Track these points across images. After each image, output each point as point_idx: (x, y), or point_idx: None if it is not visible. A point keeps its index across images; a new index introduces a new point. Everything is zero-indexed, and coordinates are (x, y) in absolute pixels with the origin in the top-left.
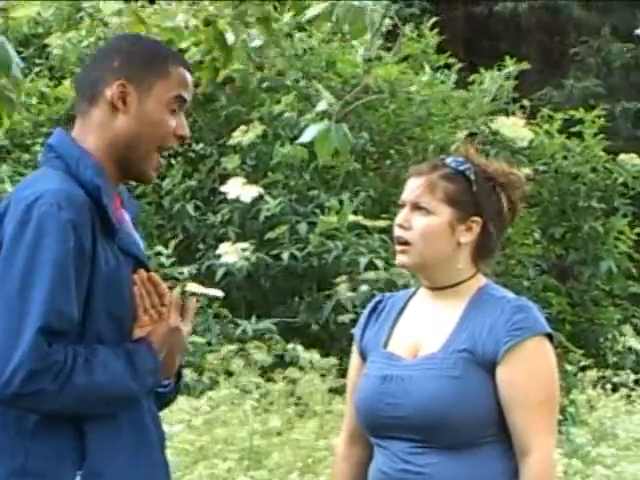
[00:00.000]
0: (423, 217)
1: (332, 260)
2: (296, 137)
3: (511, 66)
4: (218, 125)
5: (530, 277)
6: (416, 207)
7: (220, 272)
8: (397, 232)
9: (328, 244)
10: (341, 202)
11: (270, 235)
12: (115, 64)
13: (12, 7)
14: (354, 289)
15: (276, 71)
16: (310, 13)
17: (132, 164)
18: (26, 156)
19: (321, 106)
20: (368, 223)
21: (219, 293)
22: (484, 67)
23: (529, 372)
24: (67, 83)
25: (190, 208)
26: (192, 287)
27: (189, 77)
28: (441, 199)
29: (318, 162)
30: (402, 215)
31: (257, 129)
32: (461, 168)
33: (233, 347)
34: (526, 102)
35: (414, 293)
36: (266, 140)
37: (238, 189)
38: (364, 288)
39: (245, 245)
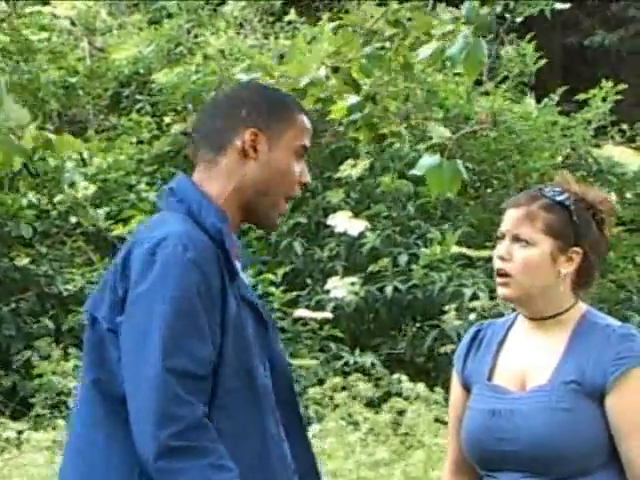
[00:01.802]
0: (524, 249)
1: (436, 292)
2: (404, 169)
3: (609, 90)
4: (323, 159)
5: (635, 304)
6: (516, 239)
7: (330, 306)
8: (498, 264)
9: (432, 276)
10: (443, 233)
11: (372, 268)
12: (244, 113)
13: (112, 48)
14: (460, 318)
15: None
16: (422, 53)
17: (259, 211)
18: (131, 195)
19: (435, 139)
20: (472, 253)
21: (328, 315)
22: (583, 92)
23: (637, 401)
24: (168, 119)
25: (297, 245)
26: (300, 312)
27: (310, 125)
28: (541, 230)
29: (420, 193)
30: (502, 247)
31: (365, 162)
32: (560, 198)
33: (338, 379)
34: (625, 126)
35: (513, 322)
36: (373, 172)
37: (345, 223)
38: (472, 317)
39: (354, 279)
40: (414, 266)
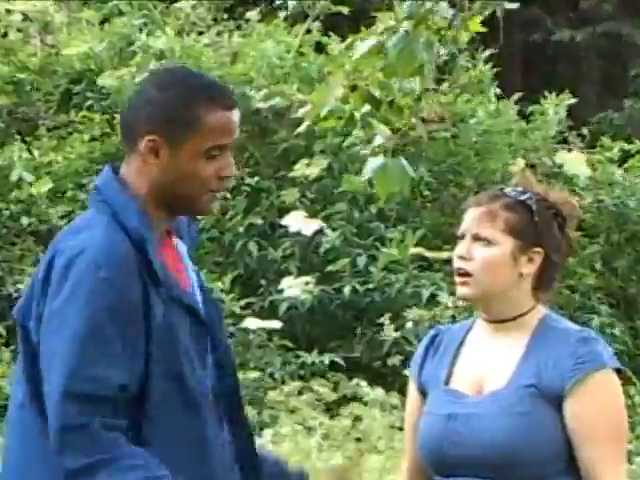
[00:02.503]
0: (484, 248)
1: (394, 293)
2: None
3: (567, 97)
4: (275, 158)
5: (595, 309)
6: (476, 238)
7: (283, 306)
8: (457, 263)
9: (390, 277)
10: (403, 234)
11: (331, 268)
12: (145, 115)
13: (63, 44)
14: (402, 325)
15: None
16: (360, 49)
17: (180, 207)
18: (82, 195)
19: (377, 140)
20: (430, 255)
21: (277, 325)
22: (543, 93)
23: (596, 406)
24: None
25: (252, 246)
26: (249, 322)
27: (228, 119)
28: (502, 229)
29: (376, 195)
30: (462, 246)
31: (322, 162)
32: (522, 197)
33: (297, 384)
34: (585, 130)
35: (471, 326)
36: (331, 172)
37: (299, 222)
38: (409, 325)
39: (308, 279)
40: (372, 268)
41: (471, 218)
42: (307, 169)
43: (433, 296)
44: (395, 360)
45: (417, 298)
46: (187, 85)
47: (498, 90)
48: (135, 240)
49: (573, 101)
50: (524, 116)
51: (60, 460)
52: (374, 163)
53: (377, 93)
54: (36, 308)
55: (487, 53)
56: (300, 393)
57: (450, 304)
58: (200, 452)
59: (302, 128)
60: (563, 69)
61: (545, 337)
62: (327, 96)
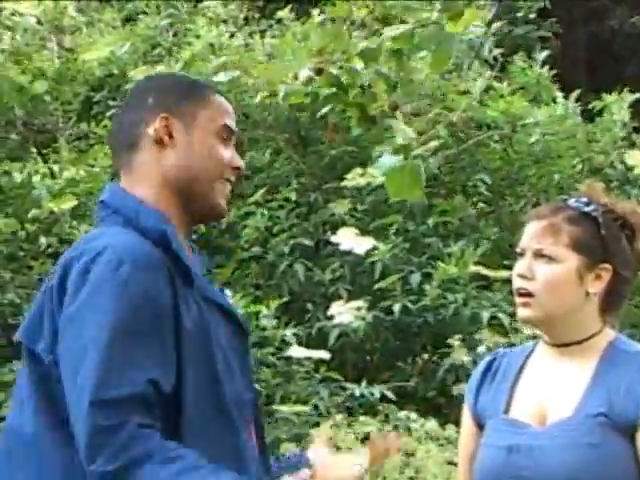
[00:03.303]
0: (547, 265)
1: (450, 315)
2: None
3: (623, 97)
4: (321, 169)
5: None
6: (538, 254)
7: (334, 334)
8: (518, 283)
9: (447, 296)
10: (462, 250)
11: (380, 285)
12: (150, 101)
13: (82, 49)
14: (471, 349)
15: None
16: (388, 32)
17: (197, 201)
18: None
19: (399, 140)
20: (490, 273)
21: (325, 355)
22: (608, 92)
23: None
24: None
25: (299, 267)
26: (294, 351)
27: (230, 107)
28: (566, 244)
29: (434, 207)
30: (523, 264)
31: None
32: (586, 209)
33: (340, 417)
34: None
35: (532, 350)
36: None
37: (351, 240)
38: (481, 349)
39: (360, 303)
40: (426, 286)
41: (532, 233)
42: (361, 179)
43: (493, 318)
44: (454, 389)
45: (476, 320)
46: (183, 75)
47: (559, 93)
48: (157, 240)
49: (638, 95)
50: (588, 118)
51: (93, 469)
52: (389, 159)
53: (344, 78)
54: (50, 323)
55: (544, 54)
56: (349, 426)
57: (527, 330)
58: (237, 465)
59: (257, 100)
60: (633, 66)
61: (615, 361)
62: (289, 69)
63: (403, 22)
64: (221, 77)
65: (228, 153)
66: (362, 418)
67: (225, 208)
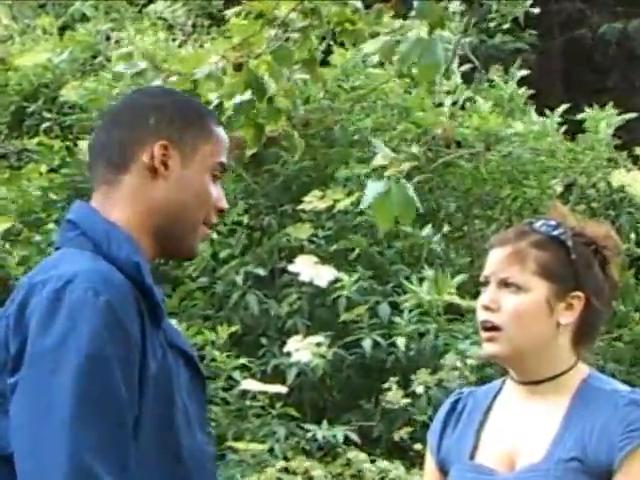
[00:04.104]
0: (513, 295)
1: (421, 349)
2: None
3: (614, 111)
4: (275, 189)
5: None
6: (504, 283)
7: (292, 373)
8: (482, 315)
9: (419, 328)
10: (436, 277)
11: (346, 317)
12: (152, 121)
13: (16, 55)
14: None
15: (322, 126)
16: (369, 48)
17: (175, 238)
18: (37, 237)
19: (377, 161)
20: (464, 303)
21: (282, 389)
22: (589, 105)
23: None
24: (83, 143)
25: (252, 299)
26: (248, 384)
27: (227, 139)
28: (534, 272)
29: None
30: (487, 294)
31: (340, 193)
32: (555, 233)
33: (299, 460)
34: (639, 150)
35: (500, 388)
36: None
37: (310, 270)
38: (419, 390)
39: (319, 339)
40: (396, 318)
41: (496, 260)
42: (320, 202)
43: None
44: (409, 431)
45: (454, 354)
46: (186, 94)
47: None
48: (129, 272)
49: (631, 116)
50: (567, 133)
51: None
52: (375, 187)
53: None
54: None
55: (522, 72)
56: (306, 472)
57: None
58: None
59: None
60: (613, 77)
61: (589, 400)
62: (200, 63)
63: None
64: (122, 68)
65: (216, 192)
66: (321, 464)
67: (197, 252)
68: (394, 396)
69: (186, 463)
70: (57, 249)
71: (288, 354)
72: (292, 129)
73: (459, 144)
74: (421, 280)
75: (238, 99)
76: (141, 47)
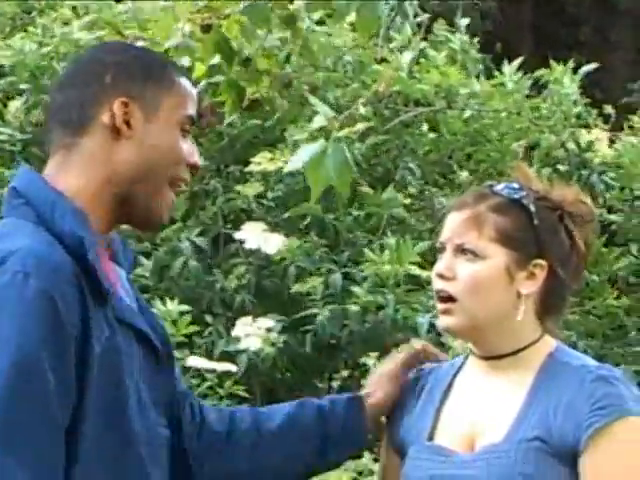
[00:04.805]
0: (470, 263)
1: (379, 322)
2: None
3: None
4: (220, 150)
5: (628, 339)
6: (460, 250)
7: (242, 360)
8: (437, 284)
9: (377, 300)
10: (398, 245)
11: (297, 289)
12: (108, 79)
13: None
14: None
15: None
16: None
17: (138, 204)
18: None
19: (318, 122)
20: (423, 274)
21: (232, 368)
22: (558, 61)
23: (621, 464)
24: (18, 104)
25: (196, 270)
26: (193, 361)
27: (194, 91)
28: (492, 238)
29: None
30: (443, 262)
31: (290, 154)
32: (516, 196)
33: None
34: (610, 109)
35: (462, 365)
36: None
37: (258, 237)
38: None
39: (270, 323)
40: (354, 289)
41: (452, 225)
42: (269, 163)
43: (432, 326)
44: None
45: (409, 329)
46: (149, 49)
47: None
48: (72, 247)
49: (593, 66)
50: (535, 91)
51: None
52: (309, 150)
53: (235, 43)
54: None
55: (465, 21)
56: None
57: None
58: None
59: None
60: (587, 31)
61: (555, 376)
62: (170, 29)
63: None
64: (84, 35)
65: (187, 147)
66: None
67: (165, 219)
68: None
69: (138, 447)
70: (1, 218)
71: (237, 338)
72: (274, 90)
73: (418, 102)
74: (382, 248)
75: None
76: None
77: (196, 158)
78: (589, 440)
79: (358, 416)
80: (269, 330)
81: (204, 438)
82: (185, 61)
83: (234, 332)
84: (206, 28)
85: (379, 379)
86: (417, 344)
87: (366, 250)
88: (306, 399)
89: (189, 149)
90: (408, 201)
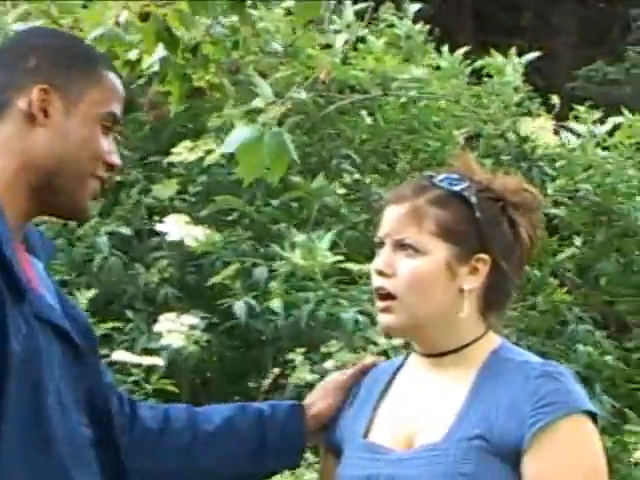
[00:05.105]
0: (410, 259)
1: (305, 318)
2: None
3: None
4: (142, 140)
5: (575, 334)
6: (399, 245)
7: (164, 358)
8: (377, 282)
9: (298, 296)
10: (319, 238)
11: (216, 280)
12: (31, 64)
13: None
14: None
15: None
16: None
17: (59, 194)
18: None
19: (256, 102)
20: (354, 267)
21: (159, 362)
22: (500, 47)
23: (566, 464)
24: None
25: (115, 263)
26: (119, 355)
27: (122, 88)
28: (433, 232)
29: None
30: (381, 257)
31: (213, 143)
32: (457, 188)
33: None
34: (555, 98)
35: (402, 363)
36: (231, 159)
37: (181, 230)
38: (328, 365)
39: (194, 320)
40: (274, 284)
41: (391, 219)
42: (190, 153)
43: (356, 322)
44: None
45: (335, 324)
46: (81, 39)
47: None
48: None
49: (535, 55)
50: (476, 78)
51: None
52: (241, 133)
53: (180, 31)
54: None
55: (415, 6)
56: None
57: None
58: None
59: None
60: (529, 16)
61: (497, 373)
62: (100, 18)
63: None
64: (20, 26)
65: (106, 145)
66: None
67: (90, 210)
68: (299, 372)
69: (58, 448)
70: None
71: (159, 334)
72: (222, 77)
73: (353, 89)
74: (292, 245)
75: (160, 54)
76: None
77: (114, 158)
78: (533, 439)
79: (298, 424)
80: (193, 327)
81: (135, 433)
82: (133, 54)
83: (156, 328)
84: (145, 16)
85: (323, 390)
86: (369, 359)
87: (278, 246)
88: (247, 403)
89: (109, 147)
90: (343, 191)
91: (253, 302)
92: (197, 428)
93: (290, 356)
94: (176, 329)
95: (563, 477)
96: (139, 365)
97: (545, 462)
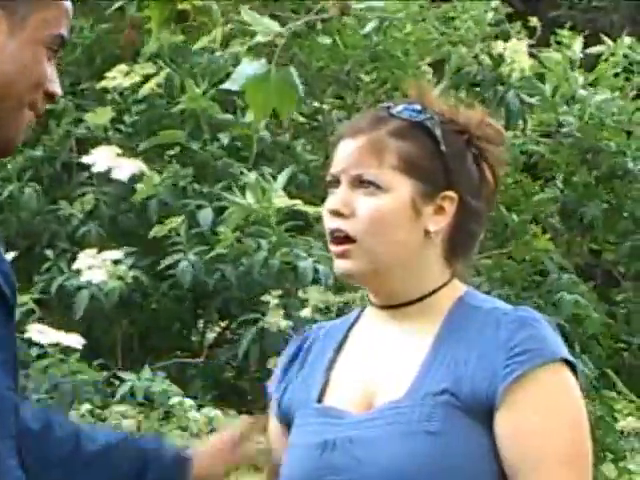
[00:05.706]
0: (370, 197)
1: (254, 267)
2: (216, 84)
3: None
4: (75, 63)
5: (560, 284)
6: (357, 182)
7: (82, 298)
8: (332, 223)
9: (247, 243)
10: (264, 178)
11: (157, 232)
12: None
13: None
14: (289, 315)
15: None
16: None
17: None
18: None
19: (260, 37)
20: (309, 209)
21: (77, 343)
22: None
23: (544, 416)
24: None
25: (31, 195)
26: (35, 335)
27: (71, 9)
28: (395, 167)
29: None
30: (337, 196)
31: (151, 68)
32: (418, 119)
33: (121, 408)
34: (535, 20)
35: (357, 318)
36: (169, 86)
37: (109, 161)
38: (305, 313)
39: (118, 254)
40: (222, 229)
41: (347, 154)
42: (125, 78)
43: (315, 271)
44: (258, 368)
45: (289, 275)
46: None
47: None
48: None
49: None
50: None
51: None
52: (250, 68)
53: None
54: None
55: None
56: (104, 420)
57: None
58: None
59: None
60: None
61: (464, 321)
62: None
63: None
64: None
65: (49, 72)
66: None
67: (18, 142)
68: (273, 316)
69: None
70: None
71: (78, 272)
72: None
73: (309, 10)
74: (242, 187)
75: None
76: None
77: (55, 87)
78: (507, 391)
79: (181, 473)
80: (116, 263)
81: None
82: None
83: (75, 265)
84: None
85: (211, 450)
86: (260, 417)
87: (223, 192)
88: (137, 438)
89: (51, 74)
90: (302, 120)
91: (197, 259)
92: (80, 444)
93: (264, 298)
94: (98, 265)
95: (541, 435)
96: (56, 345)
97: (521, 418)
